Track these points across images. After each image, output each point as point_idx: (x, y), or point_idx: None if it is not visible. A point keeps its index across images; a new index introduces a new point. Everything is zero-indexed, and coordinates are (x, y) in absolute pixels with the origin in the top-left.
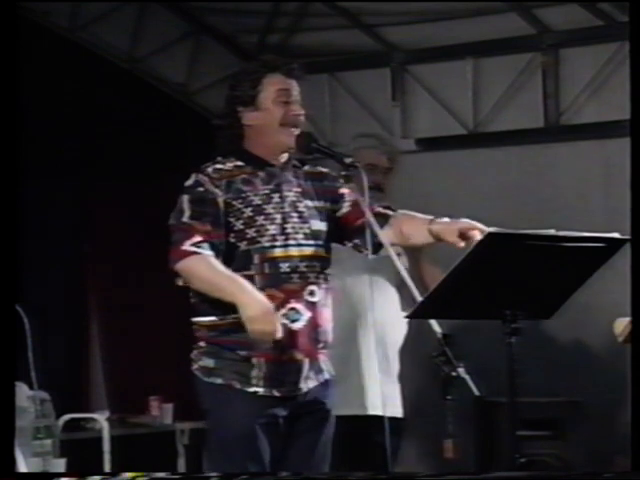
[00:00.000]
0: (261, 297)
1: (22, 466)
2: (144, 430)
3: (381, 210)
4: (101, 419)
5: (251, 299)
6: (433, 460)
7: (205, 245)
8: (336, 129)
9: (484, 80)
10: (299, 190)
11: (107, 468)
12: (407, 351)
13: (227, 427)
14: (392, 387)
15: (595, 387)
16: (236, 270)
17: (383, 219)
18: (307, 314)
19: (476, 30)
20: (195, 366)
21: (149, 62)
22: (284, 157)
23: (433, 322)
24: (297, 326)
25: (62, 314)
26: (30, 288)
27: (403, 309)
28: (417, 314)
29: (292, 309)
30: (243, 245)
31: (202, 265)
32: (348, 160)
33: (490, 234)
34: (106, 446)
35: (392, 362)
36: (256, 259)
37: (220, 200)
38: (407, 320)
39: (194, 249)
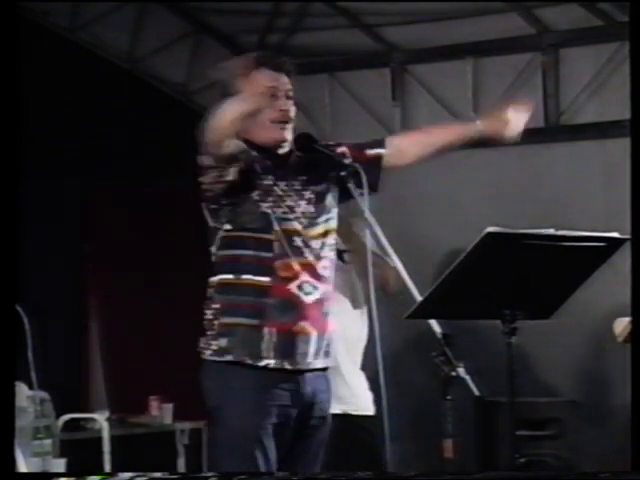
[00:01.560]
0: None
1: (22, 466)
2: (144, 430)
3: (374, 152)
4: (101, 419)
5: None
6: (433, 460)
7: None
8: (336, 129)
9: (484, 80)
10: (304, 178)
11: (107, 468)
12: (407, 351)
13: (238, 405)
14: (358, 382)
15: (595, 387)
16: (256, 230)
17: (376, 160)
18: (319, 288)
19: (476, 30)
20: (208, 352)
21: (149, 62)
22: (285, 148)
23: (433, 322)
24: (310, 299)
25: (62, 314)
26: (30, 288)
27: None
28: (416, 314)
29: (306, 282)
30: (264, 207)
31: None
32: (347, 160)
33: (489, 234)
34: (106, 446)
35: (355, 359)
36: (275, 225)
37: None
38: (364, 319)
39: None
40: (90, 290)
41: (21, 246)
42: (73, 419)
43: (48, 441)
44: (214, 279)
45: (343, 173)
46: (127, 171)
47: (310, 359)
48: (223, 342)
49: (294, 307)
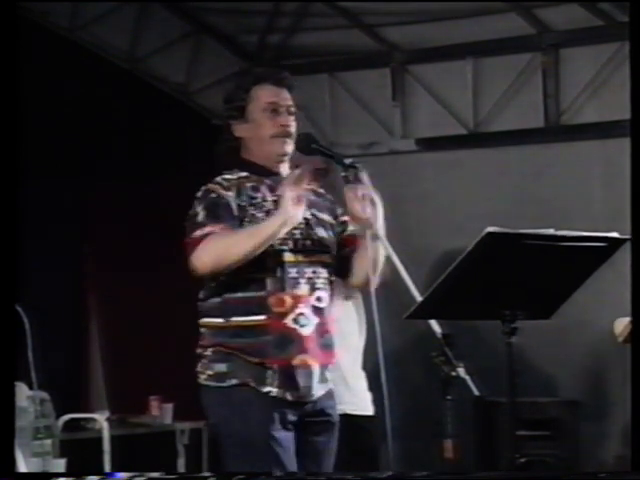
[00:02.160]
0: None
1: (22, 466)
2: (144, 430)
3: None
4: (101, 419)
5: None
6: (433, 460)
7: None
8: (336, 129)
9: (484, 80)
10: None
11: (107, 468)
12: (407, 351)
13: (247, 425)
14: (359, 384)
15: (595, 387)
16: (248, 272)
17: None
18: (315, 320)
19: (476, 30)
20: (204, 376)
21: (149, 62)
22: (286, 167)
23: (433, 322)
24: (306, 331)
25: (62, 314)
26: (30, 288)
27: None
28: (417, 314)
29: (301, 314)
30: None
31: (220, 237)
32: (348, 161)
33: (489, 234)
34: (106, 446)
35: (356, 358)
36: (268, 262)
37: (233, 203)
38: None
39: (207, 233)
40: (90, 290)
41: (21, 246)
42: (73, 419)
43: (48, 441)
44: (204, 321)
45: (344, 173)
46: (127, 171)
47: (314, 391)
48: (222, 367)
49: (292, 341)
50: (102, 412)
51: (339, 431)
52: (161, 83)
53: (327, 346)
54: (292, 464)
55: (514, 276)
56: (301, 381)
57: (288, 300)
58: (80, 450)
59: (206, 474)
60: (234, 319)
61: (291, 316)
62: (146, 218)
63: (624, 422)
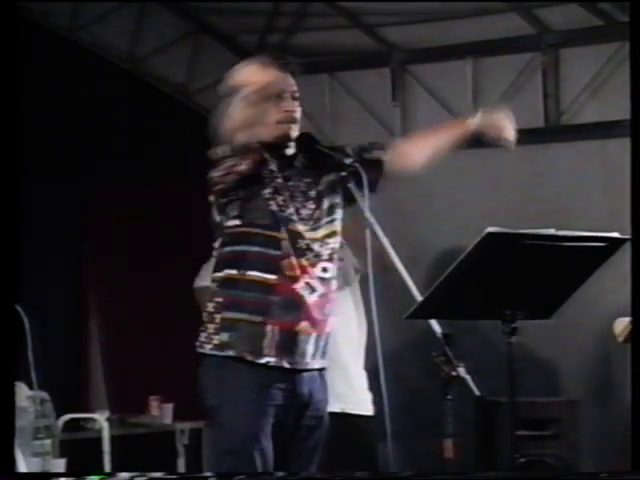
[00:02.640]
0: None
1: (22, 466)
2: (144, 430)
3: (372, 156)
4: (101, 419)
5: None
6: (433, 460)
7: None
8: (336, 129)
9: (484, 80)
10: (309, 180)
11: (107, 468)
12: (407, 351)
13: (236, 405)
14: (361, 383)
15: (595, 387)
16: (265, 227)
17: (377, 163)
18: (320, 289)
19: (476, 30)
20: (208, 346)
21: (149, 62)
22: (291, 148)
23: (433, 322)
24: (313, 299)
25: (62, 314)
26: (30, 288)
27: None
28: (417, 314)
29: (309, 282)
30: (274, 205)
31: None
32: (348, 160)
33: (490, 234)
34: (106, 446)
35: (358, 357)
36: (284, 225)
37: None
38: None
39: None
40: (90, 290)
41: (21, 246)
42: (73, 419)
43: (48, 441)
44: (218, 274)
45: (344, 173)
46: (127, 171)
47: (308, 359)
48: (224, 337)
49: (298, 306)
50: (102, 412)
51: (337, 430)
52: (161, 83)
53: (326, 316)
54: (272, 460)
55: (514, 276)
56: (298, 346)
57: (300, 266)
58: (80, 450)
59: (206, 474)
60: (249, 273)
61: (301, 282)
62: (146, 218)
63: (624, 422)
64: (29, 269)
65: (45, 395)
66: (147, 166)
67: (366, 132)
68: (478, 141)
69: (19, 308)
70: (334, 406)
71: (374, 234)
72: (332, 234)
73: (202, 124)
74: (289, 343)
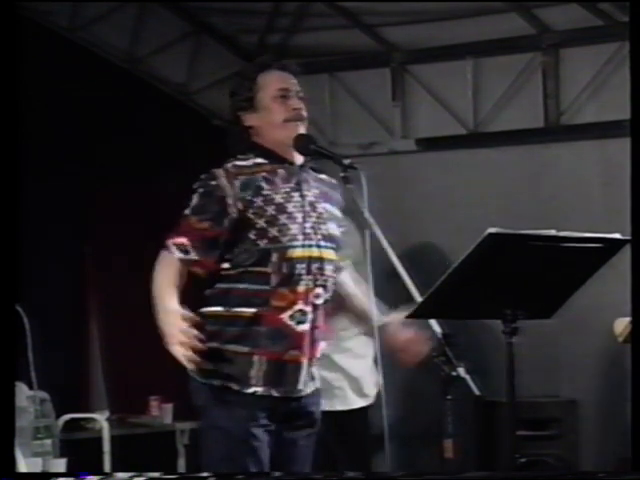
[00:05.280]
0: (172, 321)
1: (22, 466)
2: (144, 430)
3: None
4: (101, 419)
5: (164, 317)
6: (433, 460)
7: (189, 247)
8: (336, 129)
9: (484, 80)
10: (317, 192)
11: (107, 468)
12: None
13: (223, 429)
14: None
15: (595, 387)
16: (253, 265)
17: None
18: (311, 316)
19: (476, 30)
20: (193, 371)
21: (149, 62)
22: (300, 158)
23: (433, 322)
24: (302, 328)
25: (62, 314)
26: (30, 288)
27: None
28: (417, 314)
29: (299, 311)
30: (263, 243)
31: (158, 265)
32: (347, 161)
33: (490, 234)
34: (106, 446)
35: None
36: (274, 257)
37: (230, 198)
38: None
39: (171, 246)
40: (90, 290)
41: (21, 246)
42: (73, 419)
43: (48, 441)
44: (205, 309)
45: (343, 174)
46: (127, 171)
47: (300, 386)
48: (209, 365)
49: (285, 336)
50: (102, 412)
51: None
52: (161, 83)
53: (315, 341)
54: (266, 461)
55: (515, 276)
56: (287, 377)
57: (289, 296)
58: (80, 450)
59: (205, 474)
60: (234, 309)
61: (289, 312)
62: (146, 218)
63: (624, 422)
64: (29, 269)
65: (45, 395)
66: (147, 166)
67: (366, 132)
68: (478, 141)
69: (19, 308)
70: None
71: (374, 234)
72: (332, 260)
73: (202, 124)
74: (278, 373)
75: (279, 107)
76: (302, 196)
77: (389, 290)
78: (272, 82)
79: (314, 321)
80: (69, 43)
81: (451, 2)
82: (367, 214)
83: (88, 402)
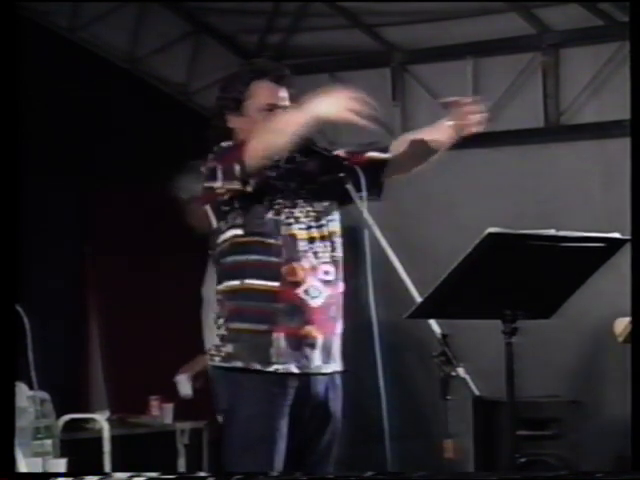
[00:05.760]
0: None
1: (22, 466)
2: (144, 430)
3: (374, 155)
4: (101, 419)
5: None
6: (433, 460)
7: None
8: (336, 129)
9: (484, 80)
10: (306, 181)
11: (107, 468)
12: (407, 351)
13: (250, 407)
14: None
15: (595, 387)
16: (264, 235)
17: (380, 162)
18: (325, 292)
19: (476, 30)
20: (217, 358)
21: (149, 62)
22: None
23: (433, 322)
24: (316, 303)
25: (62, 314)
26: (30, 288)
27: None
28: (416, 314)
29: (312, 286)
30: (272, 212)
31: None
32: (346, 161)
33: (490, 234)
34: (106, 446)
35: None
36: (283, 230)
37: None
38: None
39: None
40: (90, 290)
41: (21, 246)
42: (73, 419)
43: (48, 441)
44: (220, 286)
45: (341, 174)
46: (127, 171)
47: (317, 362)
48: (230, 348)
49: (301, 312)
50: (102, 412)
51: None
52: (161, 83)
53: (333, 318)
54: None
55: (515, 276)
56: (305, 351)
57: (300, 271)
58: (80, 450)
59: (205, 474)
60: (250, 282)
61: (303, 287)
62: (146, 218)
63: (624, 422)
64: (29, 269)
65: (45, 395)
66: (147, 166)
67: (366, 132)
68: (479, 141)
69: (19, 308)
70: None
71: (373, 234)
72: (332, 234)
73: (202, 124)
74: (295, 348)
75: (263, 120)
76: (287, 184)
77: (389, 290)
78: (263, 94)
79: (329, 297)
80: (69, 43)
81: (451, 2)
82: (366, 214)
83: (88, 402)
